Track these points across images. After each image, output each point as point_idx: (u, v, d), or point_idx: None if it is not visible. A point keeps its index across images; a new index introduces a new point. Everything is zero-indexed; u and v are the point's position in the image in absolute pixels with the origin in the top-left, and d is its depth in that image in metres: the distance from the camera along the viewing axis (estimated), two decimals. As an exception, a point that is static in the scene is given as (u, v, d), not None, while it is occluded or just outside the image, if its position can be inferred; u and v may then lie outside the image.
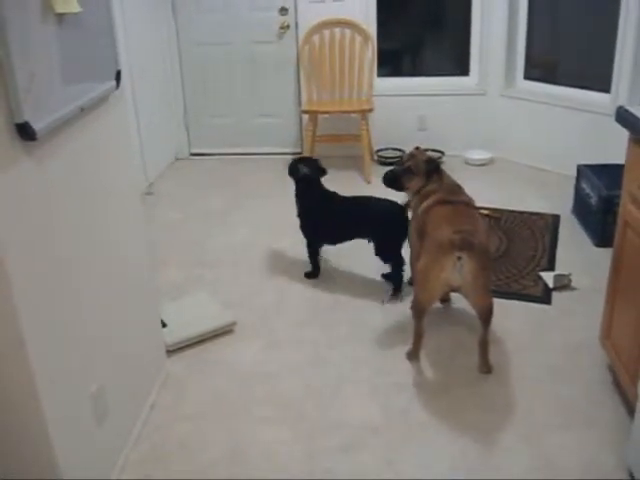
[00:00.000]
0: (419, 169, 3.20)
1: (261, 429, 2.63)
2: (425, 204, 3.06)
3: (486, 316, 2.83)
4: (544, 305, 3.43)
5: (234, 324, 3.28)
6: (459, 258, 2.60)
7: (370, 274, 3.75)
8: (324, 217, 3.62)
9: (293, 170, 3.69)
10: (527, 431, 2.56)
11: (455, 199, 3.03)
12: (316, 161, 3.75)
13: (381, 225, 3.49)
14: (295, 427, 2.63)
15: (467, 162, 5.44)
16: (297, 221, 3.74)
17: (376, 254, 3.53)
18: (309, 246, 3.73)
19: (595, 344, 2.97)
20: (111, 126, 2.38)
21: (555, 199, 4.68)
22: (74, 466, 2.06)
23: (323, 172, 3.68)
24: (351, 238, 3.62)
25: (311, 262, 3.75)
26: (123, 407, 2.49)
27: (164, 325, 3.18)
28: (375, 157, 5.54)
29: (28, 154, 1.79)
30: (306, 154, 5.18)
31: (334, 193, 3.67)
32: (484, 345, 2.90)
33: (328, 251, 3.88)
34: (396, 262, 3.52)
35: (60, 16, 1.89)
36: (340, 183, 4.30)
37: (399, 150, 5.58)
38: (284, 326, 3.33)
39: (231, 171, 5.54)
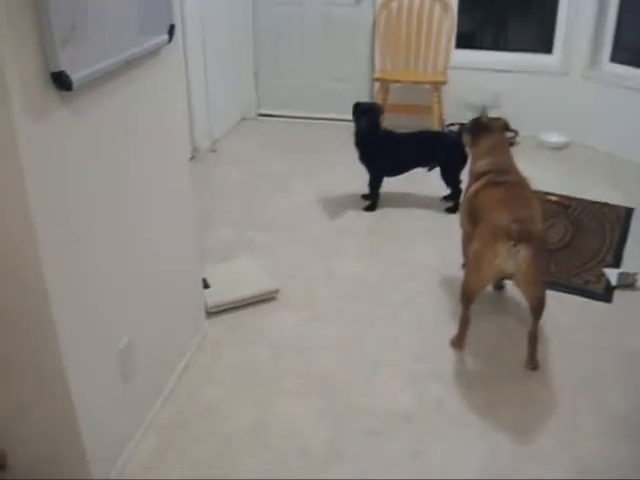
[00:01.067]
0: (468, 127, 3.27)
1: (289, 403, 2.57)
2: (475, 187, 2.93)
3: (537, 308, 2.70)
4: (604, 303, 3.24)
5: (277, 292, 3.22)
6: (514, 245, 2.49)
7: (420, 254, 3.63)
8: (388, 150, 4.06)
9: (356, 108, 4.11)
10: (567, 437, 2.42)
11: (507, 179, 2.89)
12: (375, 103, 4.37)
13: (444, 153, 4.05)
14: (324, 406, 2.56)
15: (541, 145, 5.20)
16: (357, 192, 3.95)
17: (442, 177, 4.11)
18: (372, 179, 4.13)
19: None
20: (160, 81, 2.33)
21: (631, 191, 4.41)
22: (95, 422, 2.05)
23: (380, 110, 4.17)
24: (414, 167, 4.14)
25: (371, 195, 4.15)
26: (154, 365, 2.47)
27: (207, 286, 3.15)
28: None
29: (65, 104, 1.74)
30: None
31: (391, 130, 4.13)
32: (533, 339, 2.76)
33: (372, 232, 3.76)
34: (455, 184, 4.08)
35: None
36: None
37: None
38: (328, 299, 3.25)
39: (297, 134, 5.46)
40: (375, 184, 4.14)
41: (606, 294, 3.30)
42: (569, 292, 3.31)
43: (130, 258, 2.20)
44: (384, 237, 3.85)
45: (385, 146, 4.07)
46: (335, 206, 4.18)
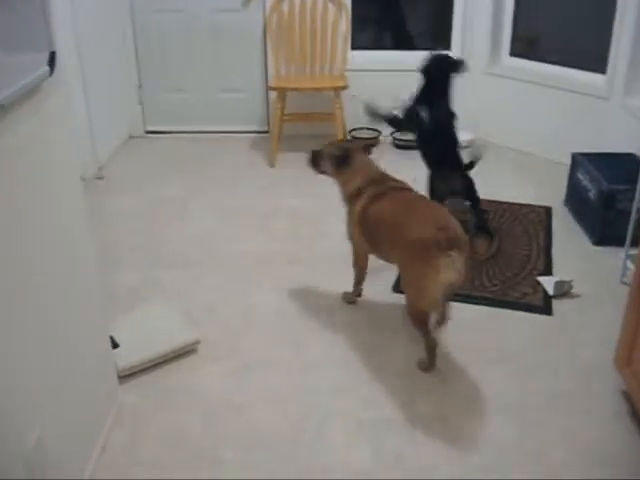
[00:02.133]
0: (329, 155, 3.03)
1: (231, 477, 2.23)
2: (360, 205, 2.84)
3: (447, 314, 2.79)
4: (545, 316, 3.08)
5: (197, 342, 2.85)
6: (449, 255, 2.43)
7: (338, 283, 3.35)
8: None
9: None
10: (539, 474, 2.21)
11: (389, 186, 2.86)
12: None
13: None
14: (273, 474, 2.23)
15: (446, 144, 5.04)
16: (268, 212, 3.61)
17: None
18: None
19: (605, 365, 2.65)
20: (46, 118, 1.92)
21: (545, 188, 4.33)
22: None
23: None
24: None
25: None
26: (68, 455, 2.06)
27: (115, 345, 2.74)
28: (349, 138, 5.11)
29: None
30: (273, 134, 4.72)
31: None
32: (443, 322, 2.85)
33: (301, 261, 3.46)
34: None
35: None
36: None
37: (375, 130, 5.15)
38: (255, 343, 2.91)
39: (191, 151, 5.06)
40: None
41: (545, 306, 3.13)
42: (508, 307, 3.12)
43: (19, 332, 1.79)
44: (304, 265, 3.53)
45: None
46: (242, 229, 3.83)
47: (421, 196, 2.93)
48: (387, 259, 2.86)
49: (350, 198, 2.93)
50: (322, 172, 3.09)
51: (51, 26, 1.89)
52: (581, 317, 3.07)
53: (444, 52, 3.79)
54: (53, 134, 1.99)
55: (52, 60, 1.91)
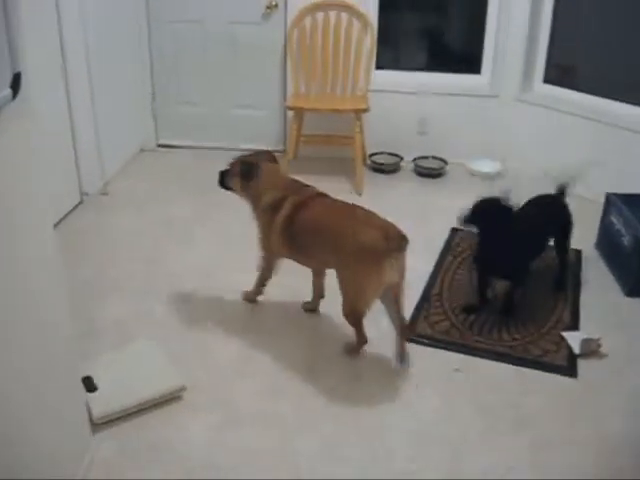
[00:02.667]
0: (235, 172, 3.04)
1: None
2: (283, 215, 2.86)
3: (400, 295, 2.74)
4: (568, 378, 2.79)
5: (183, 389, 2.60)
6: (395, 258, 2.57)
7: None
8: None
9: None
10: None
11: (308, 194, 2.91)
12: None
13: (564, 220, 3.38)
14: None
15: (472, 173, 4.76)
16: None
17: (558, 252, 3.44)
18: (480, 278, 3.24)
19: (637, 442, 2.35)
20: (5, 150, 1.69)
21: (575, 229, 3.99)
22: None
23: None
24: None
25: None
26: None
27: (93, 388, 2.51)
28: (368, 162, 4.85)
29: None
30: (288, 153, 4.48)
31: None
32: (404, 329, 2.81)
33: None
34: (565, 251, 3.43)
35: None
36: (325, 191, 3.62)
37: (396, 156, 4.89)
38: (246, 393, 2.65)
39: (201, 168, 4.79)
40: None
41: (570, 367, 2.84)
42: (528, 366, 2.83)
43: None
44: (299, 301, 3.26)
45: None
46: (246, 260, 3.54)
47: (346, 202, 2.90)
48: (314, 264, 2.97)
49: (268, 210, 2.92)
50: (230, 189, 3.08)
51: (16, 44, 1.65)
52: (609, 381, 2.77)
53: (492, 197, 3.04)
54: (14, 170, 1.75)
55: (16, 82, 1.67)
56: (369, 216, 2.74)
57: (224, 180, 3.09)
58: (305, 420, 2.52)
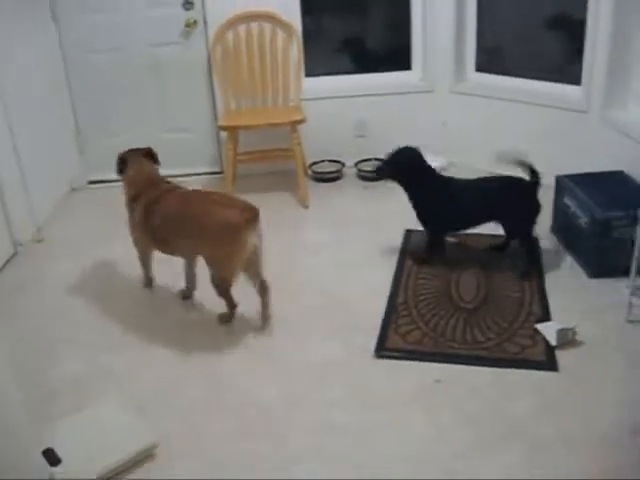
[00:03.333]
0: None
1: None
2: (140, 209, 3.09)
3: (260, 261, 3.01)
4: (550, 372, 2.71)
5: (155, 447, 2.41)
6: (252, 227, 2.85)
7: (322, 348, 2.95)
8: (447, 203, 3.38)
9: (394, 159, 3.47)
10: None
11: (168, 188, 3.17)
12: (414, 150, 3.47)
13: (513, 203, 3.33)
14: None
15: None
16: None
17: (508, 237, 3.50)
18: (432, 236, 3.53)
19: (625, 433, 2.29)
20: None
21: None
22: None
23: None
24: (479, 223, 3.44)
25: (431, 252, 3.52)
26: None
27: (56, 461, 2.29)
28: (309, 172, 4.72)
29: None
30: (227, 176, 4.30)
31: (452, 178, 3.53)
32: (267, 290, 3.08)
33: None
34: (529, 240, 3.40)
35: None
36: (271, 210, 3.49)
37: (337, 162, 4.77)
38: (221, 440, 2.47)
39: (139, 200, 4.61)
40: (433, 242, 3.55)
41: (549, 360, 2.77)
42: (507, 366, 2.74)
43: None
44: (272, 329, 3.11)
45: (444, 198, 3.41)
46: (203, 295, 3.38)
47: (200, 190, 3.24)
48: (180, 252, 3.15)
49: (129, 205, 3.19)
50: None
51: None
52: (591, 370, 2.71)
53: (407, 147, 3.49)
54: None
55: None
56: (221, 197, 3.06)
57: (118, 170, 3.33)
58: (292, 458, 2.36)
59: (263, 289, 3.06)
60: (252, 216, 2.86)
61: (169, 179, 3.29)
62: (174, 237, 3.04)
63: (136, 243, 3.28)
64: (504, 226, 3.39)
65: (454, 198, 3.39)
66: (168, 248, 3.15)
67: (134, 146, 3.41)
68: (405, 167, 3.43)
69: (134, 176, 3.24)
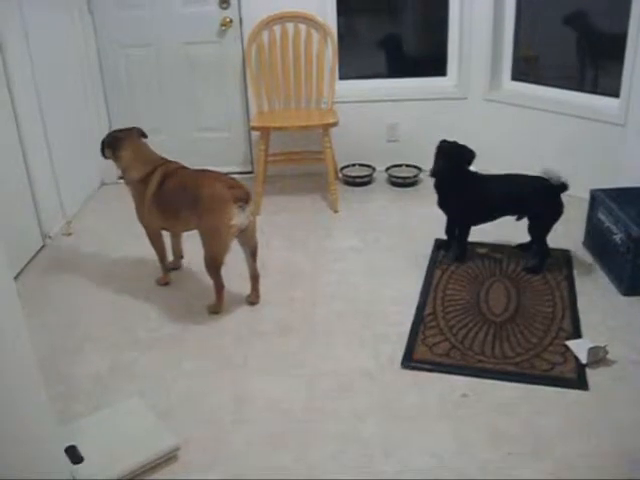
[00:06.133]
0: (104, 143, 3.44)
1: None
2: (151, 188, 3.24)
3: (256, 251, 3.25)
4: (580, 391, 2.66)
5: (177, 449, 2.40)
6: (240, 206, 3.00)
7: (341, 356, 2.92)
8: (475, 198, 3.50)
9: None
10: None
11: (175, 166, 3.32)
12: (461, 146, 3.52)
13: (537, 200, 3.42)
14: None
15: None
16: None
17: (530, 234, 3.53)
18: (463, 230, 3.61)
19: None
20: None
21: (559, 227, 3.86)
22: None
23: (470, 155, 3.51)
24: (502, 216, 3.54)
25: (459, 245, 3.63)
26: None
27: (79, 458, 2.30)
28: (340, 175, 4.69)
29: None
30: (258, 176, 4.28)
31: (476, 172, 3.62)
32: (256, 277, 3.31)
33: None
34: (543, 239, 3.50)
35: None
36: (301, 212, 3.49)
37: (368, 166, 4.74)
38: (247, 444, 2.46)
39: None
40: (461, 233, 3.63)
41: (580, 379, 2.71)
42: (537, 383, 2.69)
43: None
44: (299, 336, 3.08)
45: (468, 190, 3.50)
46: (232, 297, 3.37)
47: (204, 169, 3.26)
48: (184, 225, 3.28)
49: (138, 183, 3.30)
50: (108, 158, 3.45)
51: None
52: (621, 390, 2.65)
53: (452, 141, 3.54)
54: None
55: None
56: (218, 175, 3.18)
57: (103, 150, 3.42)
58: (319, 471, 2.34)
59: (254, 277, 3.29)
60: (241, 194, 3.01)
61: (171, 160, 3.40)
62: (176, 210, 3.20)
63: (142, 219, 3.38)
64: (528, 220, 3.49)
65: (483, 189, 3.51)
66: (171, 222, 3.31)
67: (165, 144, 3.50)
68: (455, 162, 3.48)
69: (139, 158, 3.33)
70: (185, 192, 3.14)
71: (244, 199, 3.02)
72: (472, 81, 4.59)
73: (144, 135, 3.45)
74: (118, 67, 4.66)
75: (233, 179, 3.17)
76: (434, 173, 3.50)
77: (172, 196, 3.19)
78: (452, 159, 3.46)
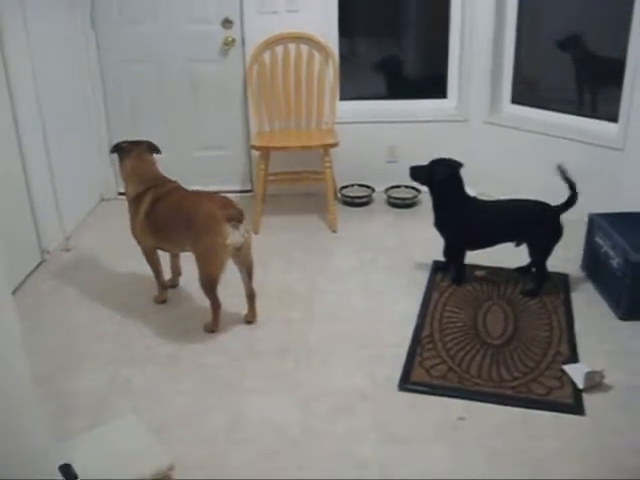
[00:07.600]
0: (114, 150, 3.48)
1: None
2: (144, 207, 3.23)
3: (252, 270, 3.24)
4: (576, 416, 2.65)
5: (171, 469, 2.39)
6: (234, 225, 2.99)
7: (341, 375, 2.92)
8: (471, 223, 3.51)
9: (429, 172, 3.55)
10: None
11: (170, 187, 3.30)
12: (453, 161, 3.54)
13: (536, 225, 3.45)
14: None
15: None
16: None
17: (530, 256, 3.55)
18: (458, 253, 3.61)
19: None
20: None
21: (557, 251, 3.87)
22: None
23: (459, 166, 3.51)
24: (500, 242, 3.54)
25: (455, 268, 3.63)
26: None
27: (73, 478, 2.28)
28: (339, 195, 4.70)
29: None
30: (257, 195, 4.29)
31: (475, 198, 3.68)
32: (253, 297, 3.29)
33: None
34: (543, 263, 3.51)
35: None
36: (299, 232, 3.51)
37: (367, 187, 4.76)
38: (242, 463, 2.46)
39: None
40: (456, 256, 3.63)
41: (576, 404, 2.71)
42: (534, 407, 2.69)
43: None
44: (296, 356, 3.08)
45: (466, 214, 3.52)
46: (229, 316, 3.37)
47: (199, 190, 3.33)
48: (178, 247, 3.30)
49: (133, 200, 3.31)
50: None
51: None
52: (618, 416, 2.65)
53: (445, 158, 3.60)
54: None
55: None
56: (210, 195, 3.23)
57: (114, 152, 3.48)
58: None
59: (250, 296, 3.28)
60: (234, 214, 3.01)
61: (171, 179, 3.39)
62: (170, 231, 3.21)
63: (134, 235, 3.38)
64: (527, 245, 3.50)
65: (480, 215, 3.51)
66: (164, 243, 3.32)
67: (165, 162, 3.52)
68: (444, 176, 3.50)
69: (137, 174, 3.34)
70: (178, 214, 3.14)
71: (237, 218, 3.01)
72: (472, 104, 4.62)
73: (155, 150, 3.47)
74: (120, 83, 4.69)
75: (226, 198, 3.16)
76: (412, 171, 3.64)
77: (165, 219, 3.20)
78: (440, 164, 3.55)
